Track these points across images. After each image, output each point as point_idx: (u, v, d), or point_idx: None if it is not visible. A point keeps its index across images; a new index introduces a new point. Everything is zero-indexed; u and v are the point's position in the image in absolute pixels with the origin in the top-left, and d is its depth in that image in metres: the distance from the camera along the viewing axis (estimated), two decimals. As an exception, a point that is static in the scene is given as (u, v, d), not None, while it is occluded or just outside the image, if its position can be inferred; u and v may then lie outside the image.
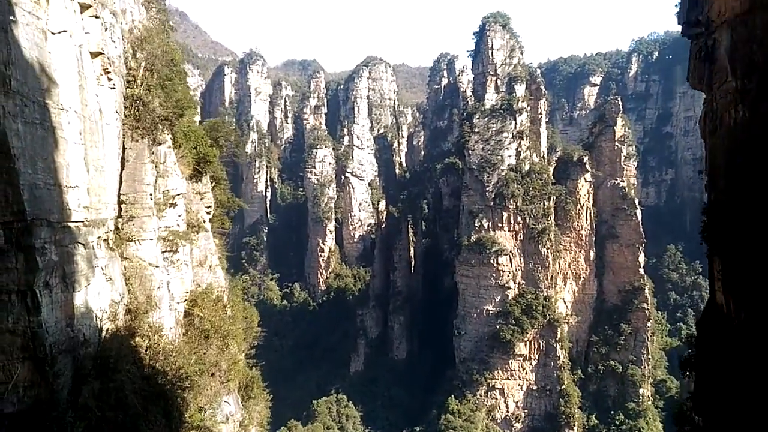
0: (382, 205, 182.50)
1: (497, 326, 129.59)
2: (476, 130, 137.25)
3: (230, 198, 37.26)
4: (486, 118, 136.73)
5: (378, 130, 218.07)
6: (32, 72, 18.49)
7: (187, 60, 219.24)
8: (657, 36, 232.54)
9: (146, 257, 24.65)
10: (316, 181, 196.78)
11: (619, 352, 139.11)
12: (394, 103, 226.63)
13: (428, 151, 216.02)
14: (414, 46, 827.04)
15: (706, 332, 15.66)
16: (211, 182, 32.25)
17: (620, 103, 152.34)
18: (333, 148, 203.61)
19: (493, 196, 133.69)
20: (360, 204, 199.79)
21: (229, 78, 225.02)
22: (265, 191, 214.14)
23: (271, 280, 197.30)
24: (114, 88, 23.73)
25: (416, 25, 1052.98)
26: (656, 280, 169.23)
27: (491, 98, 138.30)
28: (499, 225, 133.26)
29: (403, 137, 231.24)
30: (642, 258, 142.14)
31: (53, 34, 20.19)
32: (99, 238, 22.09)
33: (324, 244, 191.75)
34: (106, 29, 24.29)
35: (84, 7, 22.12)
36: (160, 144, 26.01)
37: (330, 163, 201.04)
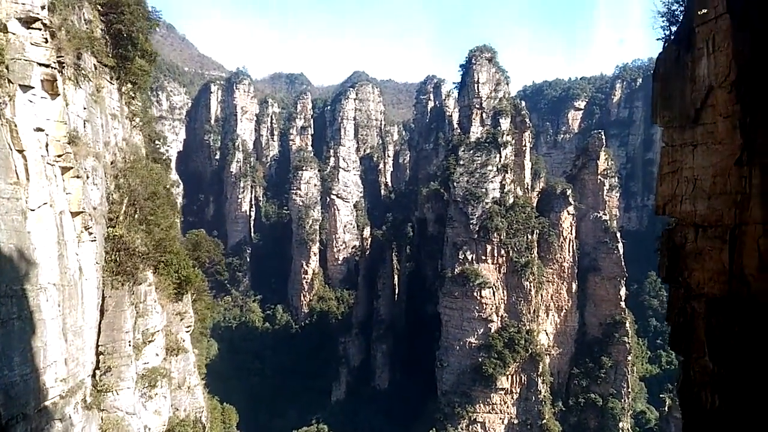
0: (367, 231, 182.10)
1: (479, 359, 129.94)
2: (461, 162, 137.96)
3: (210, 305, 37.07)
4: (471, 151, 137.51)
5: (364, 151, 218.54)
6: (10, 264, 18.17)
7: (172, 78, 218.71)
8: (641, 62, 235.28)
9: (123, 406, 24.34)
10: (301, 203, 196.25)
11: (599, 384, 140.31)
12: (381, 123, 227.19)
13: (414, 173, 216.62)
14: (401, 61, 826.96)
15: None
16: (192, 294, 32.08)
17: (603, 136, 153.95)
18: (318, 170, 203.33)
19: (477, 228, 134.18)
20: (345, 226, 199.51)
21: (216, 96, 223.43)
22: (249, 210, 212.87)
23: (254, 301, 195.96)
24: (95, 240, 23.45)
25: (404, 40, 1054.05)
26: (637, 306, 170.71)
27: (476, 131, 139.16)
28: (483, 258, 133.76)
29: (389, 157, 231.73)
30: (623, 291, 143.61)
31: (32, 210, 19.91)
32: (76, 403, 21.79)
33: (308, 267, 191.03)
34: (88, 177, 24.06)
35: (65, 170, 21.88)
36: (140, 283, 25.73)
37: (315, 185, 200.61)
